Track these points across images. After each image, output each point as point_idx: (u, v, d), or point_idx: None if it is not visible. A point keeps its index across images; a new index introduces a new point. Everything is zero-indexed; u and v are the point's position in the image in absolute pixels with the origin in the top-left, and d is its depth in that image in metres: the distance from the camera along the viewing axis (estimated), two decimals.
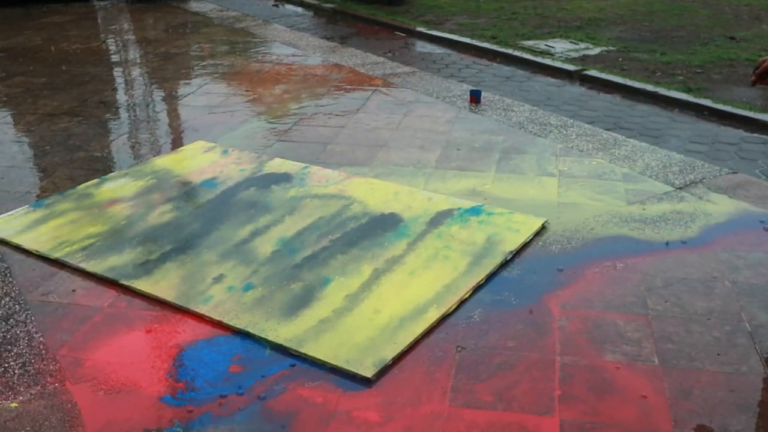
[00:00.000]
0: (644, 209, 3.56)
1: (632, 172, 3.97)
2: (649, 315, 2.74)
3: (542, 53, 7.64)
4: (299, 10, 10.38)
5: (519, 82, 6.89)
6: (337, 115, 4.99)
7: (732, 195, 3.69)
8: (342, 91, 5.52)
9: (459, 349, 2.58)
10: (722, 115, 5.85)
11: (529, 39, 8.22)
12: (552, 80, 6.93)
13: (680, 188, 3.77)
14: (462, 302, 2.84)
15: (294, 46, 7.01)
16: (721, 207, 3.57)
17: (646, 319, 2.72)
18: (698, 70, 6.96)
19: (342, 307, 2.81)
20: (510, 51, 7.73)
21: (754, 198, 3.66)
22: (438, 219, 3.45)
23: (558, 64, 7.26)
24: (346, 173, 4.00)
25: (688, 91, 6.32)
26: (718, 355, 2.53)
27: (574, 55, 7.61)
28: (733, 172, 4.02)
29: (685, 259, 3.12)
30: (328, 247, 3.24)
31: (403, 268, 3.06)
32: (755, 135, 5.50)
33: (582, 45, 7.98)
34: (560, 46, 7.95)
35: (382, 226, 3.41)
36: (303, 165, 4.12)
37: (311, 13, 10.13)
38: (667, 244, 3.23)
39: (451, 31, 8.63)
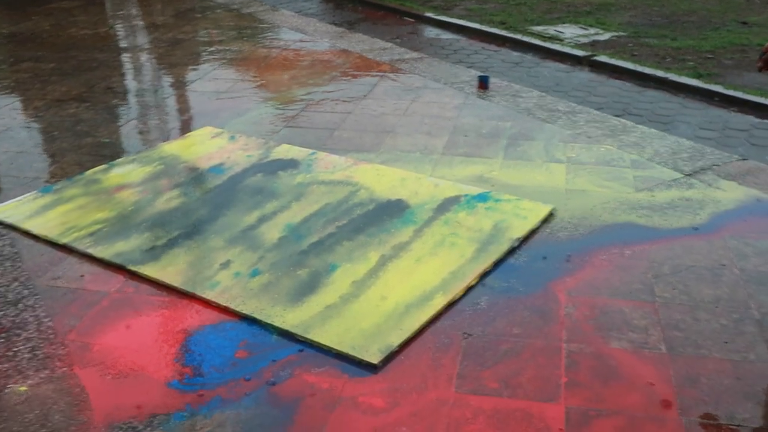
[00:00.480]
0: (653, 196, 3.54)
1: (641, 159, 3.94)
2: (656, 302, 2.74)
3: (551, 39, 7.58)
4: None
5: (527, 68, 6.85)
6: (344, 101, 4.97)
7: (741, 182, 3.66)
8: (349, 77, 5.50)
9: (465, 335, 2.58)
10: (733, 101, 5.80)
11: (538, 24, 8.16)
12: (561, 66, 6.89)
13: (689, 175, 3.74)
14: (468, 289, 2.83)
15: (301, 31, 6.98)
16: (730, 194, 3.54)
17: (653, 307, 2.71)
18: (709, 56, 6.90)
19: (348, 294, 2.81)
20: (519, 36, 7.68)
21: (763, 185, 3.63)
22: (445, 205, 3.44)
23: (567, 49, 7.21)
24: (353, 159, 3.99)
25: (699, 76, 6.27)
26: (726, 342, 2.52)
27: (583, 40, 7.55)
28: (743, 159, 3.99)
29: (693, 246, 3.10)
30: (334, 234, 3.24)
31: (409, 255, 3.05)
32: (766, 121, 5.45)
33: (592, 30, 7.92)
34: (570, 31, 7.89)
35: (388, 212, 3.41)
36: (310, 151, 4.11)
37: None
38: (675, 231, 3.22)
39: (459, 17, 8.58)
